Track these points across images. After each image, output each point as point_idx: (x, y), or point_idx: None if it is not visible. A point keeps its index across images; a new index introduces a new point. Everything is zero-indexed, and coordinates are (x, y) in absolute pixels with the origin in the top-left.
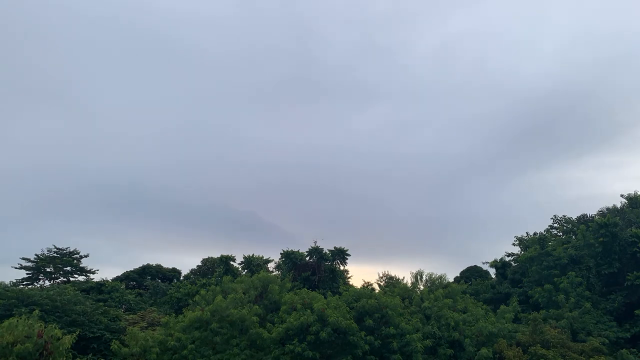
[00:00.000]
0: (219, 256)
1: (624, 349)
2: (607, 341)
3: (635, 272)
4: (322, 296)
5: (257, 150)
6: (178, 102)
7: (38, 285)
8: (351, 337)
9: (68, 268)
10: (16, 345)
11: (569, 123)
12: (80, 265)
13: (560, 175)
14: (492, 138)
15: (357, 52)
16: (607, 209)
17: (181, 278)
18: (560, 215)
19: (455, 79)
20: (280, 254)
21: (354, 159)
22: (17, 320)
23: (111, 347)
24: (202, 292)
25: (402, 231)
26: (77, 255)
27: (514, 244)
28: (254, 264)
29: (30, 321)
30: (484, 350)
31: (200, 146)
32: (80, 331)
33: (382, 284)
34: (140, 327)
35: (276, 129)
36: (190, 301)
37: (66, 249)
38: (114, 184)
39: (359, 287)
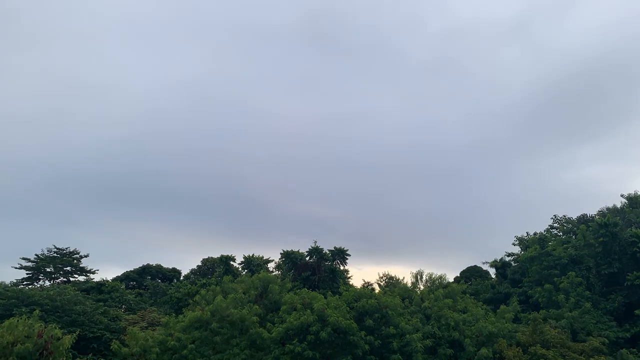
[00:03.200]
0: (219, 256)
1: (624, 349)
2: (607, 341)
3: (635, 272)
4: (322, 296)
5: (256, 144)
6: (177, 80)
7: (38, 285)
8: (351, 337)
9: (68, 268)
10: (16, 345)
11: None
12: (80, 265)
13: (583, 172)
14: (504, 126)
15: (379, 17)
16: (607, 208)
17: (181, 278)
18: (560, 215)
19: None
20: (280, 253)
21: (358, 153)
22: (17, 320)
23: (111, 347)
24: (202, 292)
25: (402, 230)
26: (77, 255)
27: (514, 244)
28: (254, 264)
29: (30, 321)
30: (484, 350)
31: (201, 132)
32: (80, 331)
33: (382, 284)
34: (140, 327)
35: (276, 122)
36: (190, 301)
37: (66, 249)
38: (111, 179)
39: (359, 287)
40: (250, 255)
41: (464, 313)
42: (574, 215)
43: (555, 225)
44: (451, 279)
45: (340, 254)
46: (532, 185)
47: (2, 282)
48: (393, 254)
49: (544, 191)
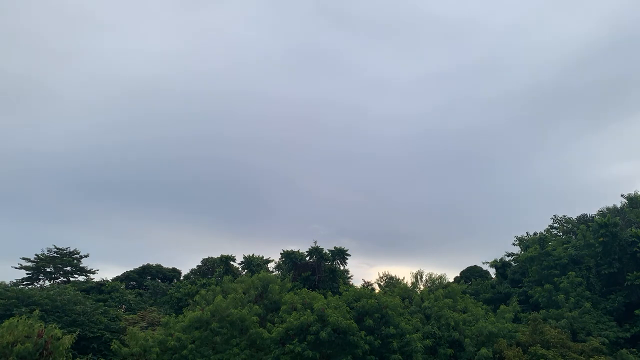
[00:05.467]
0: (219, 256)
1: (623, 349)
2: (607, 341)
3: (635, 272)
4: (322, 296)
5: (257, 133)
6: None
7: (38, 285)
8: (351, 337)
9: (68, 268)
10: (16, 345)
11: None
12: (80, 265)
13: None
14: (515, 111)
15: None
16: (607, 208)
17: (181, 278)
18: (560, 215)
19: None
20: (280, 253)
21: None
22: (17, 320)
23: (111, 347)
24: (202, 292)
25: (403, 229)
26: (77, 255)
27: (514, 244)
28: (254, 264)
29: (30, 321)
30: (484, 350)
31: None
32: (80, 331)
33: (382, 284)
34: (140, 327)
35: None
36: (190, 301)
37: (66, 249)
38: (110, 174)
39: (359, 287)
40: (250, 255)
41: (464, 313)
42: (574, 215)
43: (555, 225)
44: (451, 279)
45: (340, 254)
46: (544, 180)
47: (2, 282)
48: (393, 253)
49: (555, 186)
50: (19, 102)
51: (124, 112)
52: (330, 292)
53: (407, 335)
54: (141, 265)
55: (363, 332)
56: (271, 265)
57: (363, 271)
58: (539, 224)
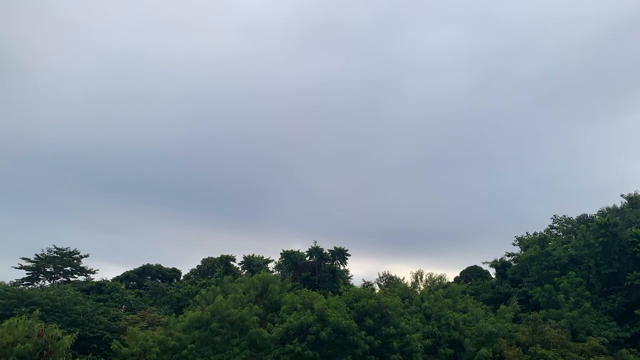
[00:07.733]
0: (219, 256)
1: (623, 349)
2: (607, 341)
3: (635, 272)
4: (322, 296)
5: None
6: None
7: (38, 285)
8: (351, 336)
9: (68, 268)
10: (16, 345)
11: None
12: (80, 265)
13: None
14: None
15: None
16: (607, 208)
17: (181, 278)
18: (560, 215)
19: None
20: (280, 253)
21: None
22: (17, 320)
23: (111, 347)
24: (202, 292)
25: (403, 227)
26: (77, 255)
27: (514, 244)
28: (254, 264)
29: (30, 321)
30: (484, 350)
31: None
32: (80, 331)
33: (382, 284)
34: (140, 327)
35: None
36: (191, 301)
37: (66, 249)
38: (110, 170)
39: (359, 287)
40: (250, 255)
41: (464, 313)
42: (574, 215)
43: (555, 225)
44: (451, 279)
45: (340, 254)
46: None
47: (2, 282)
48: (395, 253)
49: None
50: (14, 82)
51: (124, 109)
52: (330, 292)
53: (407, 335)
54: (141, 265)
55: (363, 332)
56: (271, 265)
57: (372, 269)
58: (543, 224)
